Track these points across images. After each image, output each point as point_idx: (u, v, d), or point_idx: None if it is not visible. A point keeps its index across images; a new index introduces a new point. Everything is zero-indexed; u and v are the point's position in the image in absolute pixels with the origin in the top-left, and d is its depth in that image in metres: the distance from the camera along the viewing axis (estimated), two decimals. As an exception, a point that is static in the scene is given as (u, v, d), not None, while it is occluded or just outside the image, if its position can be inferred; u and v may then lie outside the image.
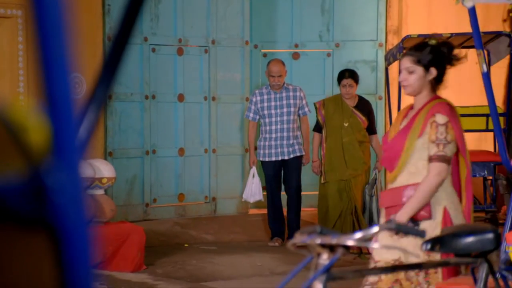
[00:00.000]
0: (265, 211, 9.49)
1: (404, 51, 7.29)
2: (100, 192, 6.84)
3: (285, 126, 7.70)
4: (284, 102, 7.76)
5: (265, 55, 9.65)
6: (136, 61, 8.55)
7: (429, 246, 2.56)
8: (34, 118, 0.83)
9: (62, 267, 0.81)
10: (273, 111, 7.76)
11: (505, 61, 8.27)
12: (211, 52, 9.09)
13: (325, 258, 2.35)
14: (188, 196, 9.00)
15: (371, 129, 7.51)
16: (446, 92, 10.70)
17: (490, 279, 2.70)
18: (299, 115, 7.81)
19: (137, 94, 8.65)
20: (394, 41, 9.42)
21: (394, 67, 8.12)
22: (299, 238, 2.42)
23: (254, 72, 9.53)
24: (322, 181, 7.51)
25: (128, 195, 8.55)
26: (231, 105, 9.25)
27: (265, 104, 7.81)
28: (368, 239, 2.36)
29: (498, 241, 2.62)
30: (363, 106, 7.49)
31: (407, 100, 9.00)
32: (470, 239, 2.60)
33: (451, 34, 7.47)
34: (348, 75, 7.50)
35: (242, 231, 8.55)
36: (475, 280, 2.70)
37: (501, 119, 7.42)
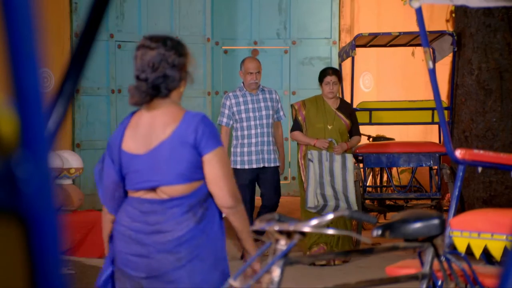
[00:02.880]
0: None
1: (356, 48, 7.35)
2: (68, 182, 6.78)
3: (265, 130, 6.63)
4: (262, 104, 6.69)
5: (226, 51, 9.65)
6: (102, 57, 8.48)
7: (379, 232, 2.59)
8: (3, 111, 0.82)
9: (32, 254, 0.80)
10: (251, 114, 6.64)
11: (448, 59, 8.39)
12: (175, 49, 9.05)
13: (283, 244, 2.36)
14: (153, 185, 8.96)
15: (354, 131, 6.66)
16: (395, 87, 10.80)
17: (436, 262, 2.74)
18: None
19: (103, 88, 8.59)
20: (346, 39, 9.48)
21: (347, 63, 8.18)
22: (258, 225, 2.43)
23: (215, 68, 9.53)
24: (305, 187, 6.48)
25: (95, 184, 8.46)
26: (194, 99, 9.24)
27: (242, 107, 6.65)
28: (324, 226, 2.37)
29: (443, 226, 2.66)
30: (345, 108, 6.66)
31: (360, 95, 9.09)
32: (417, 225, 2.63)
33: (400, 33, 7.54)
34: (331, 72, 6.56)
35: (204, 218, 8.54)
36: (422, 263, 2.74)
37: (446, 112, 7.53)
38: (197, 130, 2.75)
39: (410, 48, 9.39)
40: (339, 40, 9.68)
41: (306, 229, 2.32)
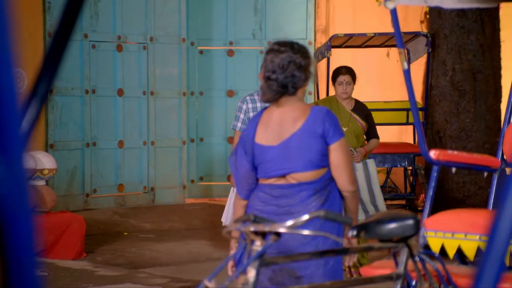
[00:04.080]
0: (202, 200, 9.50)
1: (332, 49, 7.38)
2: (41, 183, 6.72)
3: None
4: None
5: (201, 52, 9.63)
6: (76, 57, 8.42)
7: (355, 232, 2.60)
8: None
9: (6, 256, 0.79)
10: None
11: (423, 60, 8.45)
12: (150, 49, 9.02)
13: (258, 244, 2.36)
14: (128, 186, 8.92)
15: (371, 134, 6.18)
16: (371, 88, 10.85)
17: (410, 262, 2.76)
18: None
19: (77, 88, 8.52)
20: (322, 39, 9.52)
21: (322, 64, 8.21)
22: (234, 226, 2.43)
23: (190, 69, 9.52)
24: None
25: (69, 185, 8.43)
26: (169, 100, 9.21)
27: None
28: (299, 226, 2.38)
29: (417, 227, 2.68)
30: (361, 109, 6.19)
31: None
32: (392, 226, 2.65)
33: (375, 33, 7.58)
34: (345, 71, 6.08)
35: (180, 220, 8.52)
36: (396, 264, 2.76)
37: (420, 113, 7.58)
38: (325, 122, 3.17)
39: (385, 49, 9.45)
40: (315, 40, 9.71)
41: (281, 229, 2.32)
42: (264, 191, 3.25)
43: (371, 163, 6.08)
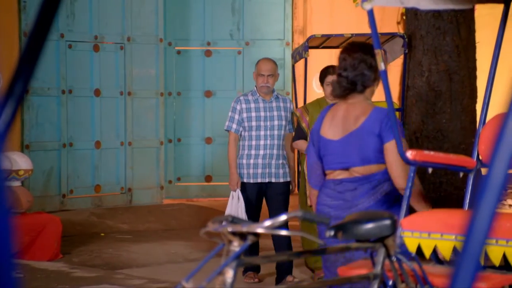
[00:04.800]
0: (179, 201, 9.47)
1: (309, 49, 7.40)
2: (17, 183, 6.67)
3: (275, 142, 5.91)
4: (275, 113, 5.95)
5: (179, 52, 9.61)
6: (52, 57, 8.36)
7: (332, 232, 2.61)
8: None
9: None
10: (262, 123, 5.92)
11: (400, 60, 8.50)
12: (127, 49, 8.98)
13: (236, 245, 2.36)
14: (105, 187, 8.87)
15: None
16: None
17: (387, 262, 2.77)
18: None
19: (54, 89, 8.46)
20: (299, 40, 9.54)
21: (300, 64, 8.23)
22: (211, 227, 2.43)
23: (168, 69, 9.49)
24: (309, 203, 5.44)
25: (45, 186, 8.36)
26: (146, 100, 9.17)
27: (253, 114, 5.93)
28: (277, 227, 2.38)
29: (394, 227, 2.70)
30: None
31: (312, 96, 9.15)
32: (369, 226, 2.66)
33: (352, 34, 7.61)
34: (333, 70, 5.62)
35: (157, 220, 8.49)
36: (373, 264, 2.77)
37: (397, 113, 7.63)
38: (382, 123, 3.41)
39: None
40: (292, 41, 9.74)
41: (259, 230, 2.32)
42: (329, 187, 3.55)
43: None
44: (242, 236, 2.36)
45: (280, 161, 5.91)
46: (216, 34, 9.63)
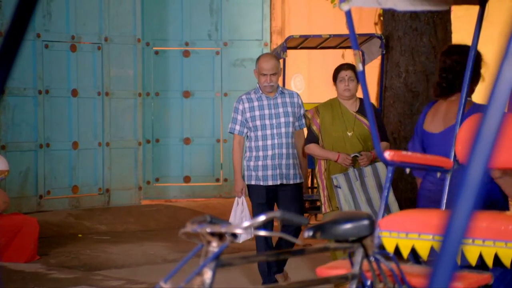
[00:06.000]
0: (158, 201, 9.44)
1: (287, 50, 7.41)
2: (-7, 185, 6.60)
3: (283, 140, 5.50)
4: (281, 110, 5.54)
5: (156, 52, 9.58)
6: (29, 57, 8.29)
7: (310, 233, 2.61)
8: None
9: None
10: (267, 122, 5.52)
11: (377, 61, 8.55)
12: (104, 49, 8.93)
13: (214, 246, 2.36)
14: (82, 188, 8.82)
15: (381, 136, 5.12)
16: (326, 89, 10.91)
17: (365, 262, 2.78)
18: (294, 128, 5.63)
19: (30, 89, 8.39)
20: (278, 40, 9.55)
21: (278, 65, 8.22)
22: (190, 227, 2.42)
23: (146, 69, 9.46)
24: (324, 211, 5.25)
25: (22, 187, 8.29)
26: (124, 100, 9.13)
27: (256, 113, 5.52)
28: (255, 227, 2.38)
29: (372, 227, 2.71)
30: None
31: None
32: (348, 226, 2.67)
33: (330, 35, 7.64)
34: (347, 66, 5.39)
35: (135, 221, 8.46)
36: (352, 264, 2.78)
37: (375, 114, 7.65)
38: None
39: (340, 51, 9.53)
40: (271, 41, 9.74)
41: (238, 230, 2.32)
42: (432, 174, 3.86)
43: (380, 166, 5.22)
44: (221, 236, 2.35)
45: (291, 161, 5.50)
46: (194, 34, 9.61)
